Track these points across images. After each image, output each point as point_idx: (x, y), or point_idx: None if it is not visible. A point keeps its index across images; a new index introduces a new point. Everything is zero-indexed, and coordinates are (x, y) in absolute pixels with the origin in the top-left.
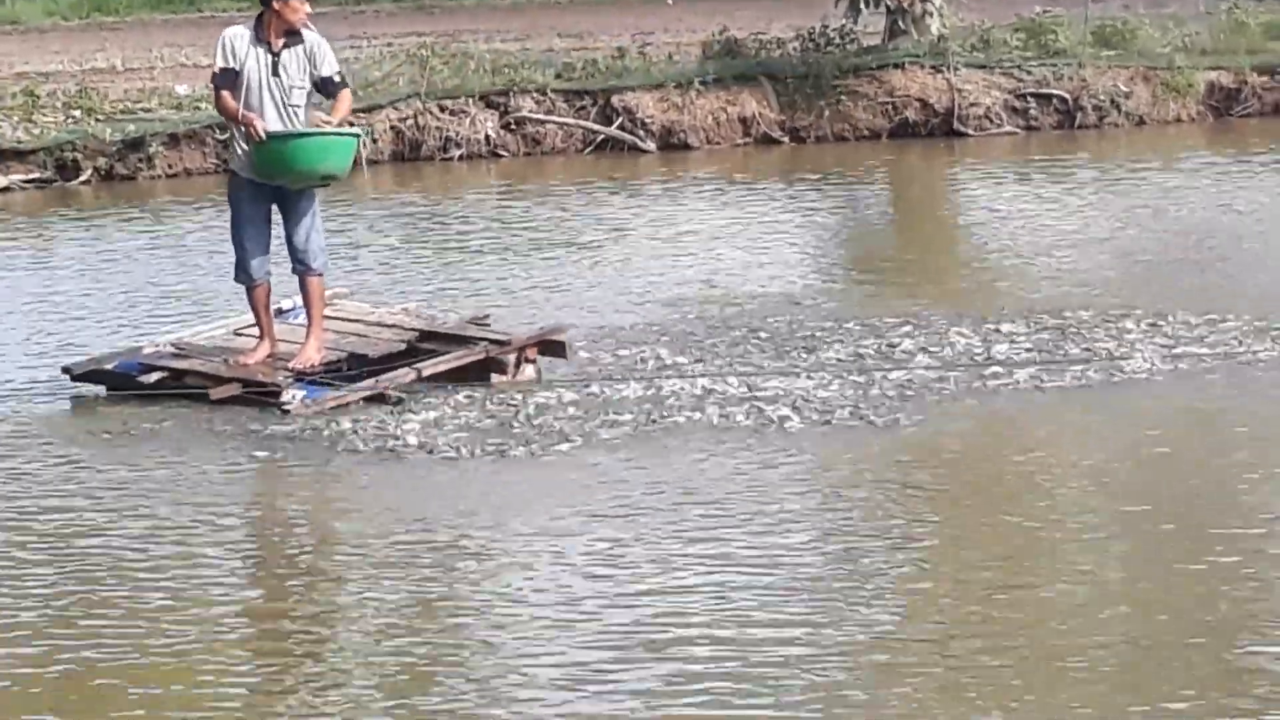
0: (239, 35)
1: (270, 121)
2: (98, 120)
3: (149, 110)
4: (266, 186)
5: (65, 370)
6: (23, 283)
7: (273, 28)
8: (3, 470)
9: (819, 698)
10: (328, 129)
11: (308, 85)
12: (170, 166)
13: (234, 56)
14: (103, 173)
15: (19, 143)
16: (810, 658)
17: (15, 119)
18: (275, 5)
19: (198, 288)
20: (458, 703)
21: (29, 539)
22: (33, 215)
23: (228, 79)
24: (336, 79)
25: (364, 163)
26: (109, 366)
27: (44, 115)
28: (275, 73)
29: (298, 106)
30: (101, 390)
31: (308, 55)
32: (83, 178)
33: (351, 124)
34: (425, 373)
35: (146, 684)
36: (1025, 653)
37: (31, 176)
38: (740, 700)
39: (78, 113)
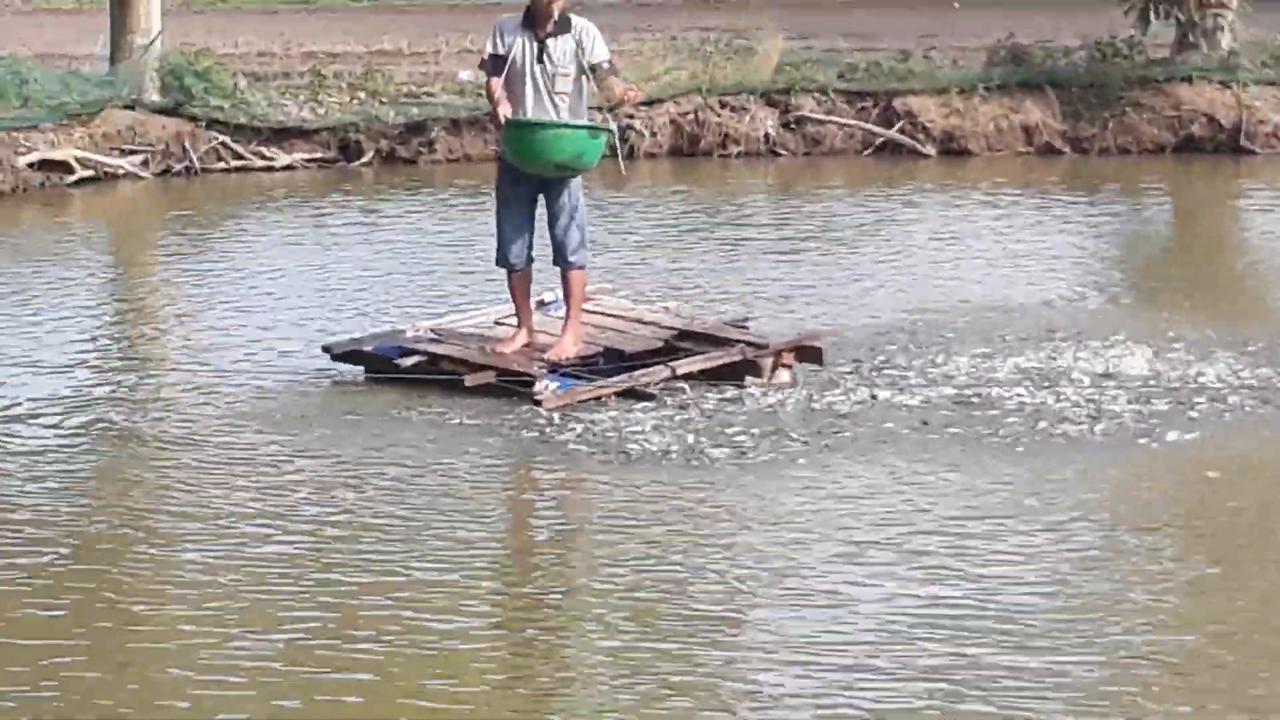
0: (510, 22)
1: (530, 107)
2: (382, 103)
3: (432, 94)
4: (531, 175)
5: (325, 349)
6: (298, 260)
7: (540, 16)
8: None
9: None
10: (573, 121)
11: (573, 72)
12: (451, 151)
13: (503, 43)
14: (384, 155)
15: (304, 122)
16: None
17: (302, 98)
18: None
19: (467, 273)
20: None
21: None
22: (314, 194)
23: (495, 65)
24: (606, 66)
25: (620, 158)
26: (368, 348)
27: (329, 95)
28: (540, 59)
29: (563, 93)
30: (360, 371)
31: (576, 42)
32: (365, 159)
33: (606, 118)
34: (679, 371)
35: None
36: None
37: (315, 156)
38: None
39: (362, 94)
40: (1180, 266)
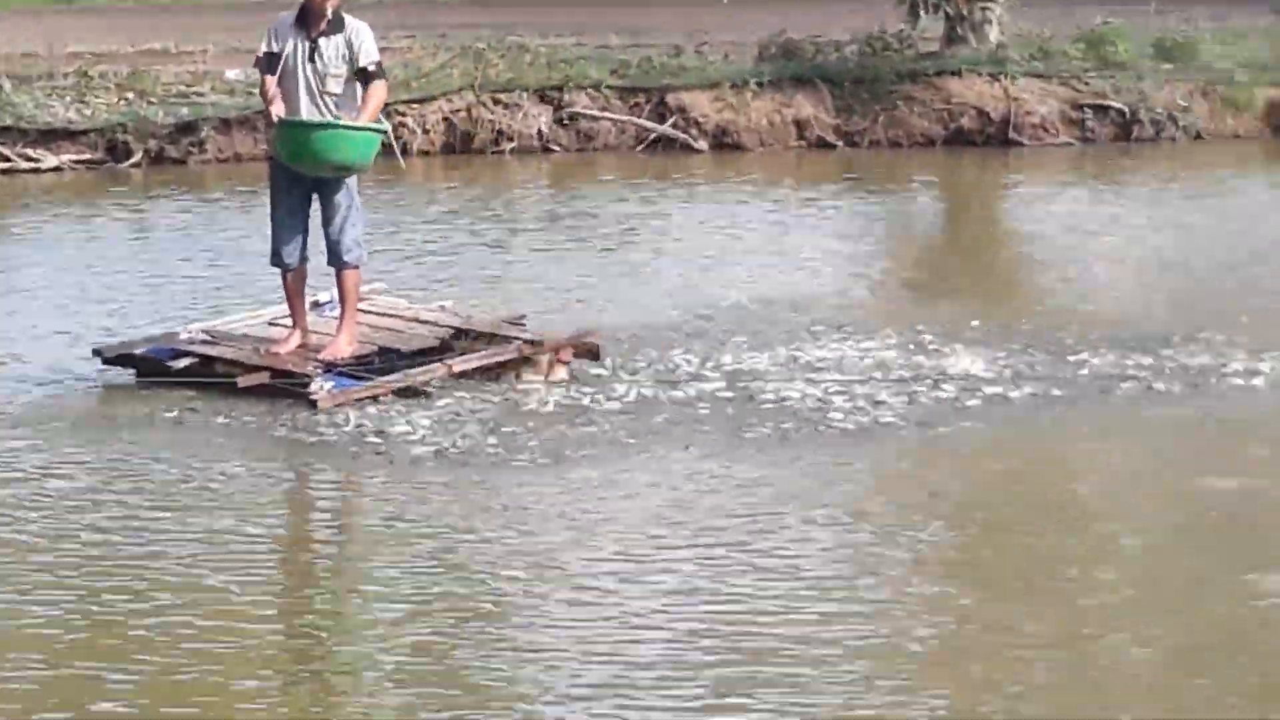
0: (285, 21)
1: (303, 107)
2: (150, 103)
3: (201, 94)
4: (305, 175)
5: (96, 352)
6: (66, 263)
7: (313, 15)
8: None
9: None
10: (345, 121)
11: (344, 73)
12: (221, 151)
13: (276, 41)
14: (153, 155)
15: (70, 123)
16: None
17: (68, 99)
18: None
19: (240, 274)
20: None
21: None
22: (82, 196)
23: (268, 63)
24: (371, 68)
25: (400, 156)
26: (139, 351)
27: (96, 96)
28: (311, 59)
29: (333, 94)
30: (131, 375)
31: (346, 43)
32: (134, 160)
33: (380, 117)
34: (456, 369)
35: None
36: None
37: (83, 157)
38: None
39: (130, 94)
40: (950, 258)
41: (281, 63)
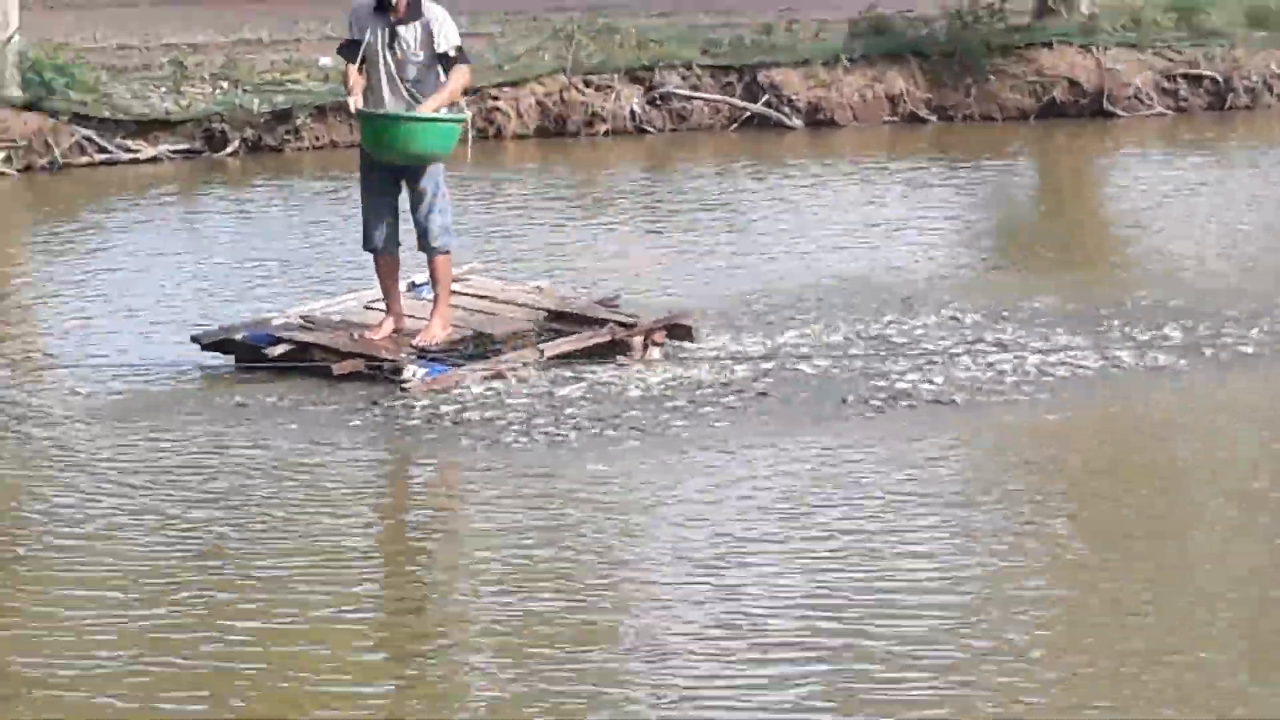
0: (364, 8)
1: (385, 94)
2: (245, 91)
3: (296, 82)
4: (389, 162)
5: (195, 339)
6: (165, 252)
7: (390, 1)
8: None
9: None
10: (423, 113)
11: (424, 58)
12: (317, 139)
13: (356, 29)
14: (250, 144)
15: (167, 114)
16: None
17: (164, 90)
18: None
19: (337, 260)
20: None
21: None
22: (180, 186)
23: (350, 50)
24: (453, 53)
25: (467, 147)
26: (238, 337)
27: (192, 86)
28: (390, 46)
29: (414, 81)
30: (230, 361)
31: (424, 29)
32: (230, 149)
33: (460, 105)
34: (548, 353)
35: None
36: None
37: (180, 147)
38: None
39: (225, 84)
40: (1045, 230)
41: (363, 50)
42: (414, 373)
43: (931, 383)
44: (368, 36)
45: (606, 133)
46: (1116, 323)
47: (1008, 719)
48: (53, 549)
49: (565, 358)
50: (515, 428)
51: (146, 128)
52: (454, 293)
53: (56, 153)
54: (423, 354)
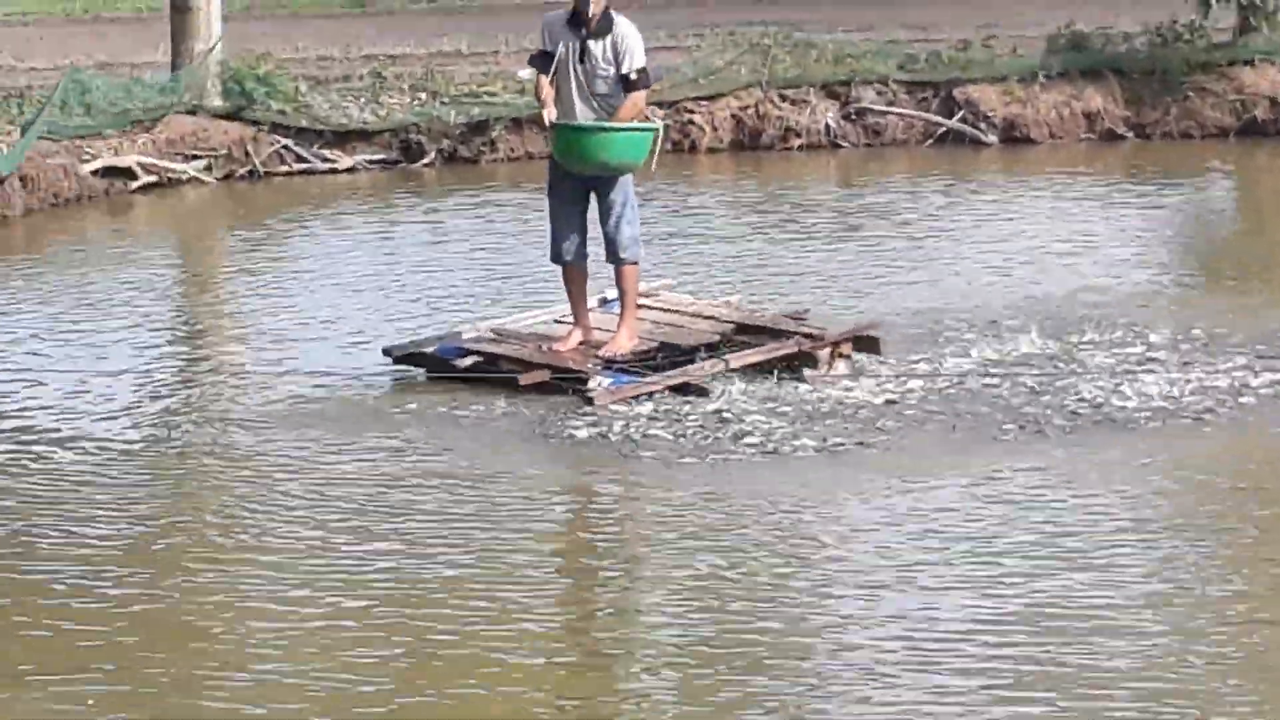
0: (558, 19)
1: (576, 107)
2: (443, 103)
3: (493, 94)
4: (580, 173)
5: (386, 352)
6: (361, 262)
7: (582, 15)
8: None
9: None
10: (615, 123)
11: (611, 74)
12: (513, 150)
13: (549, 40)
14: (446, 155)
15: (365, 124)
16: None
17: (363, 100)
18: None
19: (531, 273)
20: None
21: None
22: (378, 195)
23: (543, 62)
24: (634, 77)
25: (652, 159)
26: (429, 350)
27: (390, 97)
28: (581, 59)
29: (603, 95)
30: (421, 372)
31: (613, 46)
32: (426, 159)
33: (651, 117)
34: (733, 364)
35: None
36: None
37: (377, 157)
38: None
39: (423, 95)
40: (1245, 251)
41: (555, 62)
42: (600, 383)
43: (1121, 403)
44: (560, 49)
45: (801, 147)
46: None
47: None
48: (238, 549)
49: (749, 369)
50: (699, 439)
51: (344, 138)
52: (643, 307)
53: (256, 161)
54: (609, 365)
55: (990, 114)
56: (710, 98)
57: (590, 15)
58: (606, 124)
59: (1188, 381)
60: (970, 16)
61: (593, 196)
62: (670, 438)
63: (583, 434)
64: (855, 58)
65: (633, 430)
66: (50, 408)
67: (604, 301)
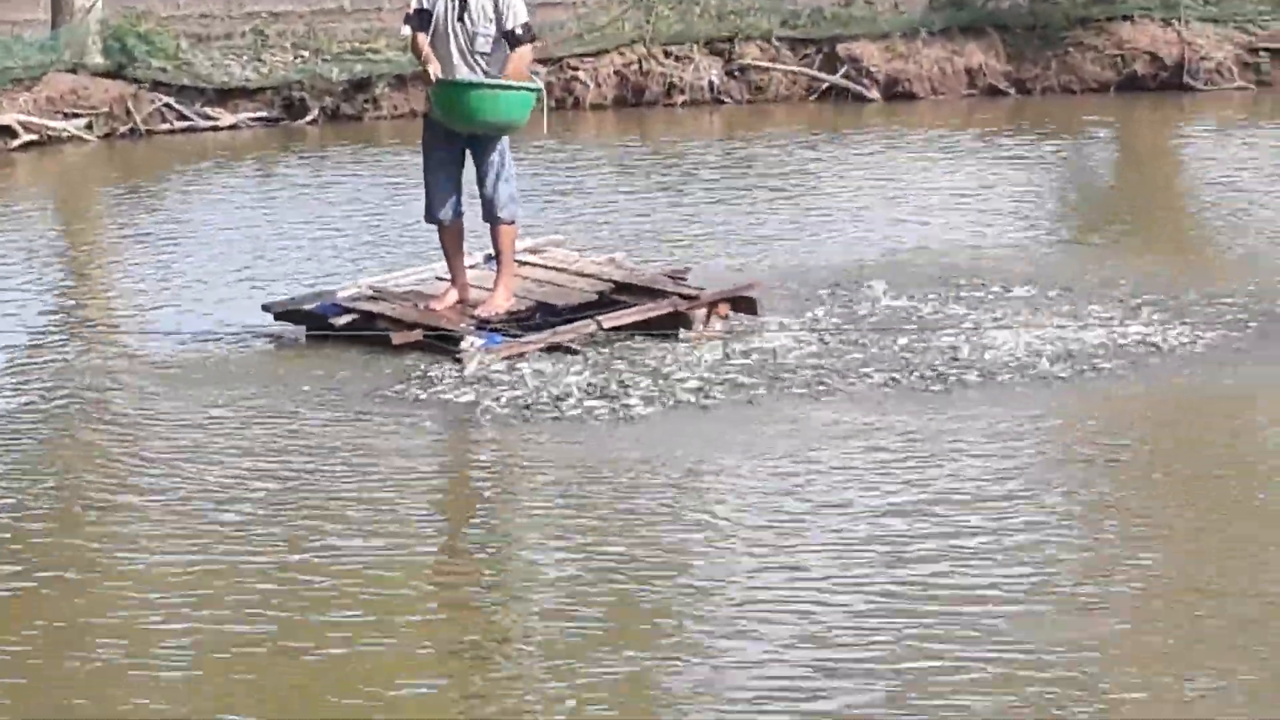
0: None
1: (455, 66)
2: (325, 60)
3: (376, 51)
4: (456, 132)
5: (265, 308)
6: (243, 220)
7: None
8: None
9: None
10: (500, 80)
11: (493, 32)
12: (396, 108)
13: None
14: (329, 113)
15: (247, 81)
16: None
17: (245, 58)
18: None
19: (414, 230)
20: None
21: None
22: (260, 153)
23: (420, 20)
24: (519, 32)
25: (545, 114)
26: (308, 307)
27: (273, 55)
28: (460, 18)
29: (483, 54)
30: (302, 330)
31: (494, 3)
32: (309, 117)
33: (534, 76)
34: (606, 325)
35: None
36: None
37: (259, 115)
38: None
39: (306, 53)
40: (1124, 206)
41: (433, 21)
42: (472, 343)
43: (989, 357)
44: (438, 8)
45: (685, 104)
46: (1193, 295)
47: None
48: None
49: (625, 329)
50: (564, 400)
51: (226, 95)
52: (527, 264)
53: (137, 120)
54: (483, 324)
55: (873, 70)
56: (594, 54)
57: None
58: (489, 81)
59: (1057, 334)
60: None
61: (469, 155)
62: (545, 399)
63: (446, 394)
64: (738, 14)
65: (505, 392)
66: None
67: (489, 258)
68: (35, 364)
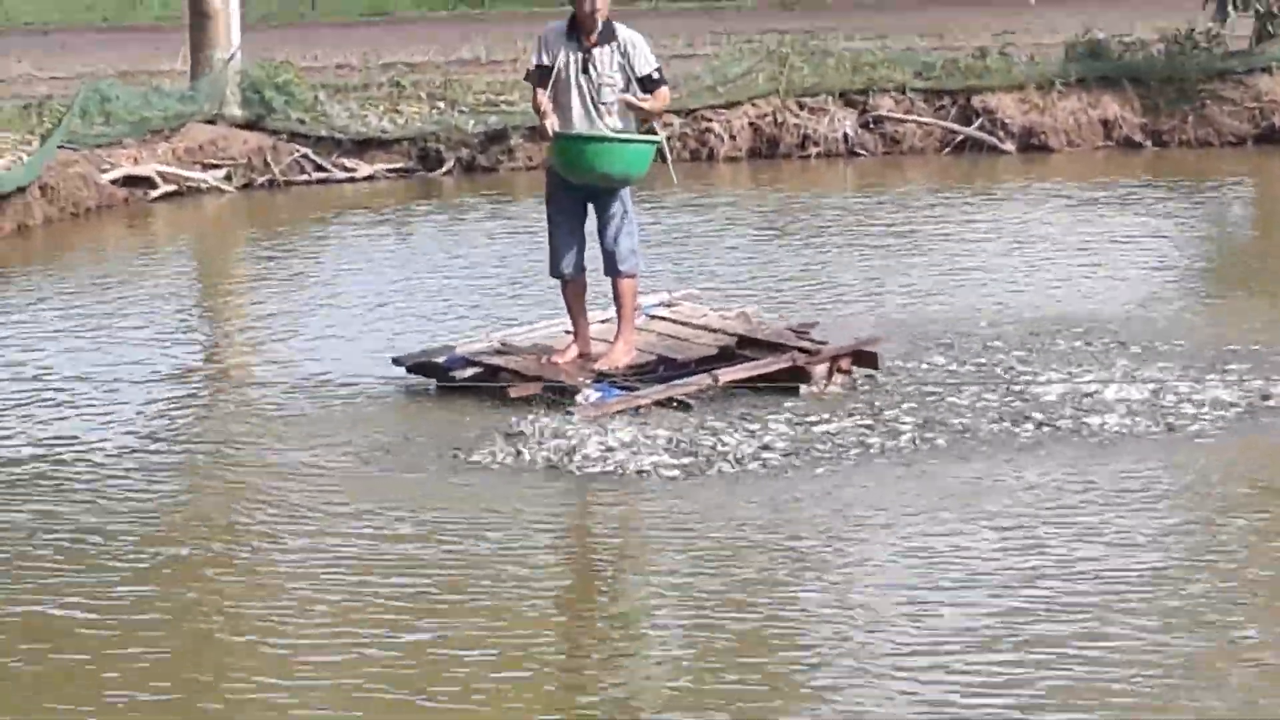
0: (555, 31)
1: (576, 118)
2: (461, 111)
3: (510, 102)
4: (579, 184)
5: (396, 361)
6: (378, 270)
7: (583, 26)
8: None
9: None
10: (621, 134)
11: (619, 82)
12: (530, 159)
13: (548, 53)
14: (464, 164)
15: (384, 132)
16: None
17: (381, 109)
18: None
19: (546, 281)
20: None
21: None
22: (396, 204)
23: (540, 76)
24: (655, 76)
25: (670, 165)
26: (438, 360)
27: (409, 105)
28: (585, 70)
29: (608, 104)
30: (432, 383)
31: (621, 53)
32: (444, 168)
33: (654, 128)
34: (722, 380)
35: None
36: None
37: (395, 166)
38: None
39: (441, 104)
40: (1264, 260)
41: (554, 75)
42: (588, 396)
43: (1129, 412)
44: (560, 61)
45: (818, 155)
46: None
47: None
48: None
49: (742, 384)
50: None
51: (362, 146)
52: (656, 318)
53: (275, 170)
54: (602, 378)
55: (1008, 122)
56: (728, 106)
57: (588, 11)
58: (609, 134)
59: (1191, 392)
60: (986, 24)
61: (590, 208)
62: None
63: (558, 445)
64: (872, 66)
65: (608, 448)
66: (65, 417)
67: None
68: (173, 410)
